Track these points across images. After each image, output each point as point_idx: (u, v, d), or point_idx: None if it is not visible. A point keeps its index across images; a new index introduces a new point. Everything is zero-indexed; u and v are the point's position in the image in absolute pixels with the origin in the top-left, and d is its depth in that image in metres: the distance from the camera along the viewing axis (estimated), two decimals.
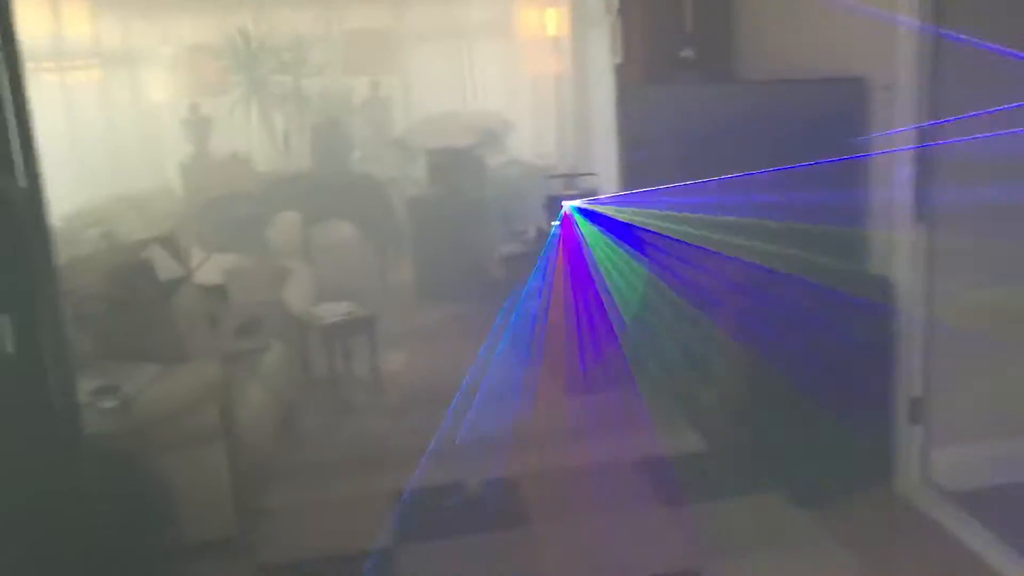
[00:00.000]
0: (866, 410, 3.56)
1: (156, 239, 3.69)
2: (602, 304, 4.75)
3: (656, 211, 4.71)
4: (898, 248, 3.37)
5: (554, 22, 7.31)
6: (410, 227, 6.59)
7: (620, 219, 4.93)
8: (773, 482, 3.62)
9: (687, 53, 4.78)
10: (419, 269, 6.43)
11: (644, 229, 4.67)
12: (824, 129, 3.69)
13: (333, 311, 4.84)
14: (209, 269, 4.18)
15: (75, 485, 2.78)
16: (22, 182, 2.54)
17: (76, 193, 5.72)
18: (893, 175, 3.33)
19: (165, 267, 3.58)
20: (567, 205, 4.69)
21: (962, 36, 2.96)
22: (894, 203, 3.36)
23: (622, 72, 5.07)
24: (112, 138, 7.44)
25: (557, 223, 4.73)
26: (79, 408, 2.67)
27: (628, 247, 4.73)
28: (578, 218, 4.76)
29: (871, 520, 3.40)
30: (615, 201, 5.13)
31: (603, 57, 5.79)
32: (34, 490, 2.59)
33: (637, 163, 4.93)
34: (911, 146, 3.21)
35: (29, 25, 5.98)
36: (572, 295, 4.75)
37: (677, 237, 4.46)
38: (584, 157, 7.11)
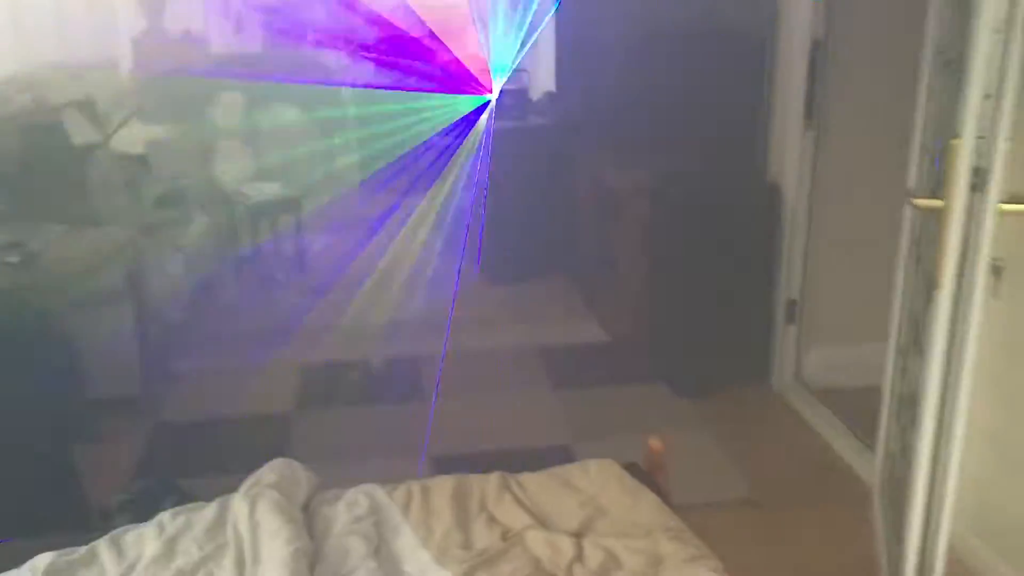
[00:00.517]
0: (749, 310, 3.74)
1: (74, 103, 3.74)
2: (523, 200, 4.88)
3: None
4: (788, 154, 3.49)
5: None
6: (355, 115, 6.62)
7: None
8: (661, 374, 3.80)
9: None
10: (361, 159, 6.49)
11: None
12: (733, 41, 3.78)
13: (262, 190, 4.93)
14: (133, 139, 4.24)
15: None
16: None
17: (15, 60, 5.68)
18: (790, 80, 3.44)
19: (80, 132, 3.64)
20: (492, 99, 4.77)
21: None
22: (788, 109, 3.47)
23: None
24: (61, 9, 7.33)
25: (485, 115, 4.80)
26: None
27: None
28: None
29: (743, 411, 3.61)
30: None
31: None
32: None
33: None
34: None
35: None
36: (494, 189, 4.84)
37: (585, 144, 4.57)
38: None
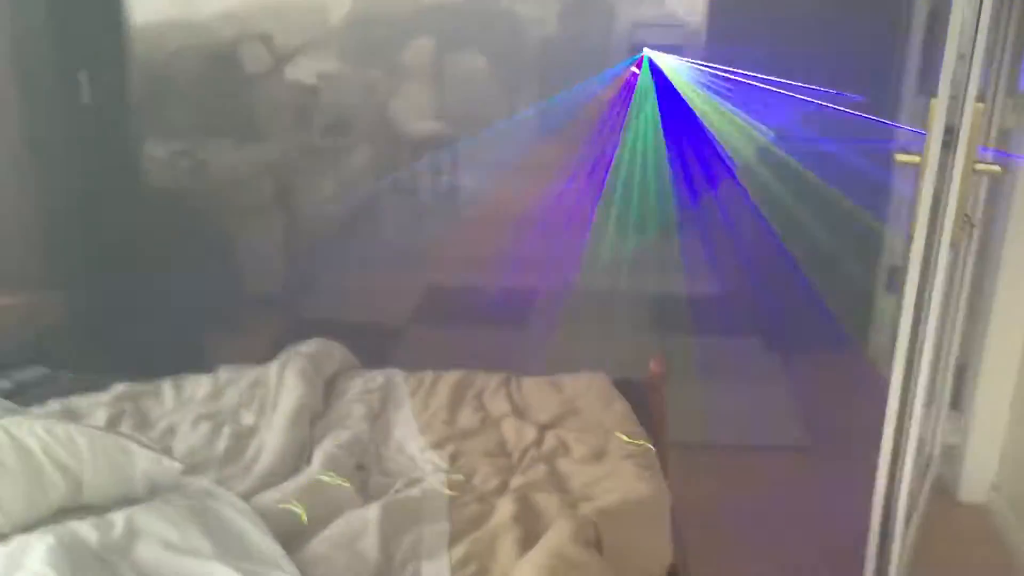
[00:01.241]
0: (853, 276, 3.76)
1: (255, 36, 4.28)
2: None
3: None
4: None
5: None
6: (536, 67, 6.92)
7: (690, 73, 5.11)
8: (758, 328, 3.91)
9: None
10: (536, 107, 6.79)
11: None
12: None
13: (425, 127, 5.35)
14: (305, 70, 4.75)
15: (141, 226, 3.50)
16: None
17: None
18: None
19: (256, 60, 4.16)
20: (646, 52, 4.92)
21: None
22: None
23: None
24: None
25: (636, 69, 4.96)
26: (155, 163, 3.35)
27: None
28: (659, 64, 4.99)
29: (828, 374, 3.66)
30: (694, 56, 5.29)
31: None
32: (102, 224, 3.30)
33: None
34: None
35: None
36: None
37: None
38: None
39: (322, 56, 5.21)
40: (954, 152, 1.86)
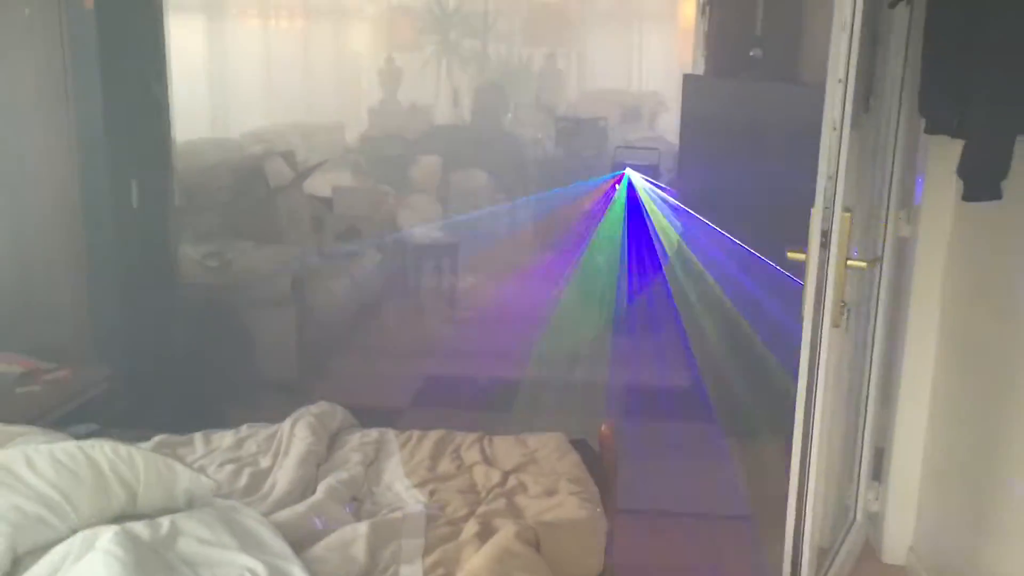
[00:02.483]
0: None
1: (278, 152, 4.89)
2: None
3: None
4: None
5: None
6: (535, 182, 7.57)
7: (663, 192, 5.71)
8: (720, 415, 4.36)
9: (756, 52, 5.43)
10: (532, 219, 7.40)
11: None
12: None
13: (429, 234, 5.93)
14: (321, 183, 5.36)
15: (175, 313, 4.02)
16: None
17: (263, 117, 7.12)
18: None
19: (279, 174, 4.76)
20: (628, 171, 5.54)
21: None
22: None
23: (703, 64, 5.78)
24: (311, 79, 8.88)
25: (619, 185, 5.57)
26: (188, 261, 3.89)
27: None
28: (635, 183, 5.59)
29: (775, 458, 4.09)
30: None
31: None
32: (142, 310, 3.81)
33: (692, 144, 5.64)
34: None
35: None
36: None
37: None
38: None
39: (338, 170, 5.84)
40: (829, 251, 2.36)
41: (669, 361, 5.04)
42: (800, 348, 2.47)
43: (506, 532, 1.96)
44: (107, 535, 1.88)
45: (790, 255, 2.48)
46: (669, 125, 9.20)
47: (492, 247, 6.38)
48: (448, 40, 9.64)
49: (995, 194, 2.19)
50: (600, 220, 5.87)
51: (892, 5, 2.52)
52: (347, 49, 9.79)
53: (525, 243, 6.85)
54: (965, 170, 2.24)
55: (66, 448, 2.05)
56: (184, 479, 2.13)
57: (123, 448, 2.08)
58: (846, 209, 2.35)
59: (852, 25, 2.23)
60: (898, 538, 3.26)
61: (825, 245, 2.37)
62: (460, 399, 4.65)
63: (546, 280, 5.79)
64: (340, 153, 7.11)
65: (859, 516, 3.33)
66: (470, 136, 8.16)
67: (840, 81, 2.28)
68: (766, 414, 4.23)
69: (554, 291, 5.69)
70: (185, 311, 4.07)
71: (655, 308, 5.54)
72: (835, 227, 2.35)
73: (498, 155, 7.92)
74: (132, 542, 1.88)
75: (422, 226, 6.05)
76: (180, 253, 4.25)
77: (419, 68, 9.45)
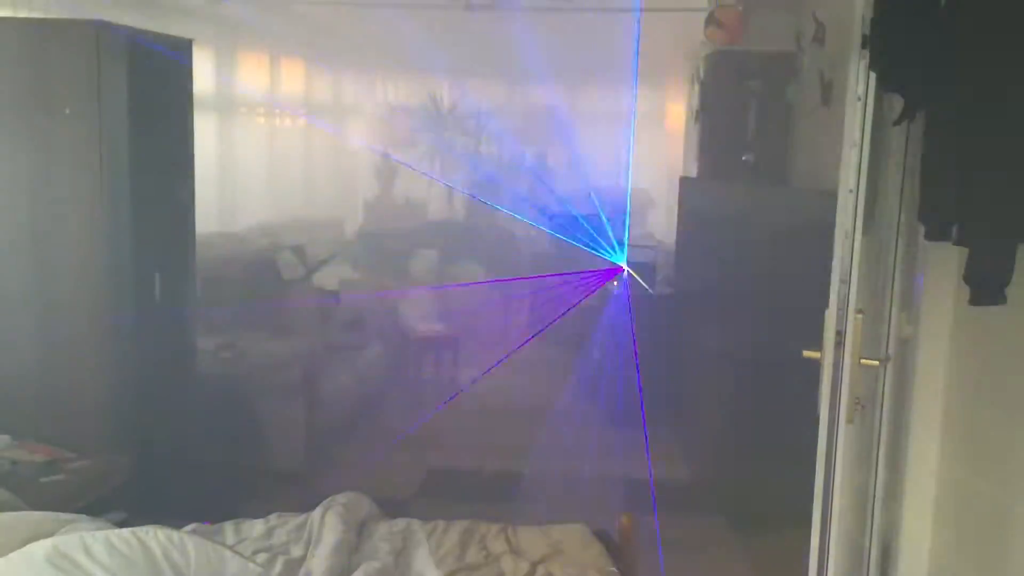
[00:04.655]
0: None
1: (288, 246, 5.03)
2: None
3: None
4: None
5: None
6: (530, 273, 7.74)
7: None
8: (720, 507, 4.44)
9: (748, 157, 5.67)
10: (530, 312, 7.54)
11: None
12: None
13: (431, 328, 6.04)
14: (329, 277, 5.49)
15: (190, 404, 4.09)
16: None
17: (267, 211, 7.28)
18: None
19: (290, 269, 4.88)
20: (625, 269, 5.71)
21: None
22: None
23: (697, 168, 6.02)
24: (312, 174, 9.10)
25: (615, 283, 5.74)
26: (204, 353, 3.98)
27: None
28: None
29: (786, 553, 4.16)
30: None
31: None
32: (158, 399, 3.88)
33: (688, 241, 5.85)
34: None
35: (251, 80, 7.70)
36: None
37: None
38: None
39: (344, 264, 5.98)
40: (843, 349, 2.50)
41: (672, 454, 5.13)
42: (809, 443, 2.59)
43: None
44: None
45: (805, 354, 2.61)
46: (659, 222, 9.48)
47: (490, 338, 6.50)
48: (443, 138, 9.93)
49: (1000, 300, 2.34)
50: (600, 314, 6.03)
51: (897, 122, 2.71)
52: (345, 145, 10.06)
53: (522, 335, 6.99)
54: (970, 278, 2.40)
55: (120, 534, 2.12)
56: (233, 565, 2.19)
57: (175, 534, 2.15)
58: (859, 310, 2.49)
59: (861, 143, 2.42)
60: None
61: (840, 344, 2.51)
62: (465, 490, 4.70)
63: (546, 372, 5.91)
64: (343, 246, 7.28)
65: None
66: (464, 231, 8.35)
67: (851, 191, 2.45)
68: (773, 508, 4.33)
69: (555, 384, 5.80)
70: (200, 402, 4.14)
71: (656, 400, 5.67)
72: (848, 328, 2.49)
73: (493, 249, 8.11)
74: None
75: (423, 321, 6.17)
76: (197, 347, 4.34)
77: (415, 164, 9.71)
